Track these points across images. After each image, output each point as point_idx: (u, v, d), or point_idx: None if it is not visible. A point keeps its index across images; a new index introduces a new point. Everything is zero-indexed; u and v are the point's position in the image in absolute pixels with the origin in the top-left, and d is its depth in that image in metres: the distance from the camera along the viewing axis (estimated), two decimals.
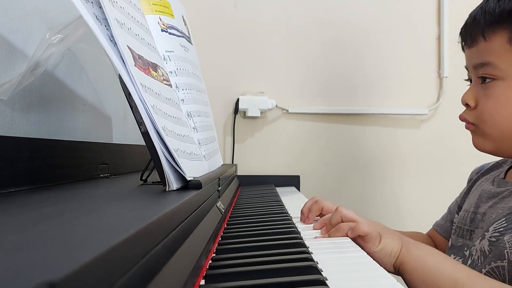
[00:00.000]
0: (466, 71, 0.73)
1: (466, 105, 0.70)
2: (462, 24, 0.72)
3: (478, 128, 0.69)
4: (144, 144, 0.47)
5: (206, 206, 0.54)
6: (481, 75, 0.67)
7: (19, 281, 0.15)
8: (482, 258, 0.64)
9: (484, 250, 0.64)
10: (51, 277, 0.15)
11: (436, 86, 1.57)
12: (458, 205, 0.83)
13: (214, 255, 0.49)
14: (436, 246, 0.88)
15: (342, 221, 0.61)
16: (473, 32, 0.68)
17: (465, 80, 0.74)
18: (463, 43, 0.72)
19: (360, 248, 0.54)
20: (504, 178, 0.73)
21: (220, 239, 0.57)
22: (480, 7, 0.68)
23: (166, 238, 0.31)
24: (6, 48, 0.58)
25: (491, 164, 0.82)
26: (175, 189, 0.48)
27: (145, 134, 0.46)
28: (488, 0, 0.67)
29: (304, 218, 0.73)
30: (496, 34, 0.64)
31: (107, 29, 0.45)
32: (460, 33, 0.72)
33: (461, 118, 0.72)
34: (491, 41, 0.65)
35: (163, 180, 0.48)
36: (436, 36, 1.56)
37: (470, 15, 0.70)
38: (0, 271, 0.17)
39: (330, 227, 0.63)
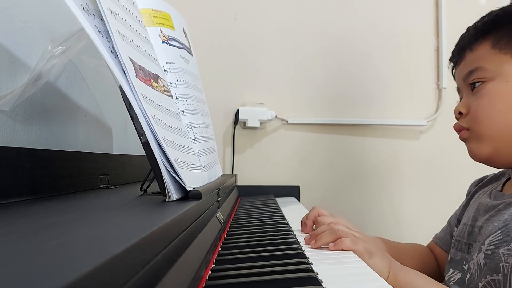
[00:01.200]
0: (458, 94, 0.76)
1: (459, 114, 0.72)
2: (460, 35, 0.76)
3: (473, 132, 0.69)
4: (144, 154, 0.48)
5: (206, 216, 0.54)
6: (471, 81, 0.69)
7: None
8: (478, 272, 0.64)
9: (480, 264, 0.64)
10: (52, 287, 0.15)
11: (435, 97, 1.58)
12: (457, 218, 0.83)
13: (214, 265, 0.49)
14: (436, 258, 0.88)
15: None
16: (460, 49, 0.73)
17: (458, 102, 0.76)
18: (453, 66, 0.76)
19: (361, 260, 0.54)
20: (501, 191, 0.73)
21: (219, 249, 0.57)
22: (466, 30, 0.74)
23: (166, 248, 0.31)
24: (8, 60, 0.58)
25: (489, 177, 0.82)
26: (175, 199, 0.48)
27: (146, 145, 0.47)
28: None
29: (303, 228, 0.73)
30: (481, 43, 0.69)
31: (108, 41, 0.46)
32: (450, 59, 0.77)
33: (456, 127, 0.73)
34: (477, 49, 0.69)
35: (163, 191, 0.48)
36: (435, 48, 1.58)
37: (458, 40, 0.76)
38: (1, 280, 0.17)
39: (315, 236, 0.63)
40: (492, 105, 0.66)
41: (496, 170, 0.79)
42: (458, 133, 0.73)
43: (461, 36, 0.74)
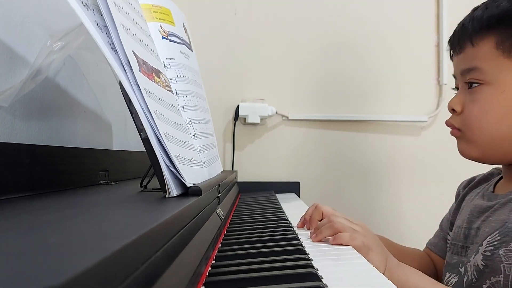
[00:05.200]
0: (455, 80, 0.74)
1: (453, 110, 0.71)
2: (463, 21, 0.71)
3: (464, 134, 0.69)
4: (144, 150, 0.47)
5: (206, 212, 0.54)
6: (468, 80, 0.67)
7: (20, 286, 0.15)
8: (475, 273, 0.63)
9: (478, 265, 0.63)
10: (51, 283, 0.15)
11: (436, 93, 1.57)
12: (450, 222, 0.82)
13: (214, 262, 0.49)
14: (433, 264, 0.88)
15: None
16: (461, 39, 0.68)
17: (453, 88, 0.74)
18: (451, 51, 0.72)
19: (361, 255, 0.54)
20: (493, 191, 0.72)
21: (220, 245, 0.57)
22: (469, 15, 0.69)
23: (166, 244, 0.31)
24: (7, 55, 0.58)
25: (478, 178, 0.81)
26: (175, 195, 0.48)
27: (146, 141, 0.46)
28: (477, 9, 0.68)
29: (306, 224, 0.73)
30: (484, 39, 0.64)
31: (107, 36, 0.45)
32: (449, 41, 0.73)
33: (447, 123, 0.72)
34: (479, 46, 0.65)
35: (163, 187, 0.48)
36: (435, 43, 1.57)
37: (459, 23, 0.71)
38: (0, 277, 0.17)
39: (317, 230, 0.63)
40: (485, 114, 0.65)
41: (489, 167, 0.79)
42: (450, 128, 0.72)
43: (464, 23, 0.69)
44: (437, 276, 0.85)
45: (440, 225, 0.88)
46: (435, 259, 0.87)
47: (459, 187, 0.87)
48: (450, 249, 0.76)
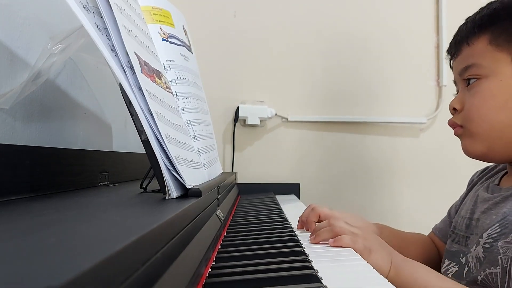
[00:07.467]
0: (455, 86, 0.76)
1: (454, 110, 0.72)
2: (458, 26, 0.75)
3: (466, 129, 0.70)
4: (144, 152, 0.48)
5: (206, 214, 0.54)
6: (466, 77, 0.69)
7: (20, 287, 0.15)
8: (478, 265, 0.64)
9: (479, 257, 0.64)
10: (52, 284, 0.15)
11: (435, 95, 1.58)
12: (456, 209, 0.83)
13: (214, 263, 0.49)
14: (437, 249, 0.88)
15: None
16: (457, 42, 0.72)
17: (454, 94, 0.76)
18: (450, 58, 0.76)
19: (361, 257, 0.54)
20: (498, 184, 0.73)
21: (219, 247, 0.57)
22: (464, 21, 0.73)
23: (166, 246, 0.31)
24: (8, 57, 0.58)
25: (490, 167, 0.82)
26: (175, 197, 0.48)
27: (146, 142, 0.47)
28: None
29: (304, 226, 0.73)
30: (479, 38, 0.68)
31: (108, 38, 0.45)
32: (447, 51, 0.76)
33: (450, 123, 0.74)
34: (474, 45, 0.68)
35: (163, 188, 0.48)
36: (435, 45, 1.57)
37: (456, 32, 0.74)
38: (0, 278, 0.17)
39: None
40: (485, 104, 0.66)
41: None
42: (453, 129, 0.73)
43: (459, 28, 0.73)
44: (441, 261, 0.86)
45: (449, 212, 0.89)
46: (439, 244, 0.87)
47: (473, 176, 0.87)
48: (451, 236, 0.77)
